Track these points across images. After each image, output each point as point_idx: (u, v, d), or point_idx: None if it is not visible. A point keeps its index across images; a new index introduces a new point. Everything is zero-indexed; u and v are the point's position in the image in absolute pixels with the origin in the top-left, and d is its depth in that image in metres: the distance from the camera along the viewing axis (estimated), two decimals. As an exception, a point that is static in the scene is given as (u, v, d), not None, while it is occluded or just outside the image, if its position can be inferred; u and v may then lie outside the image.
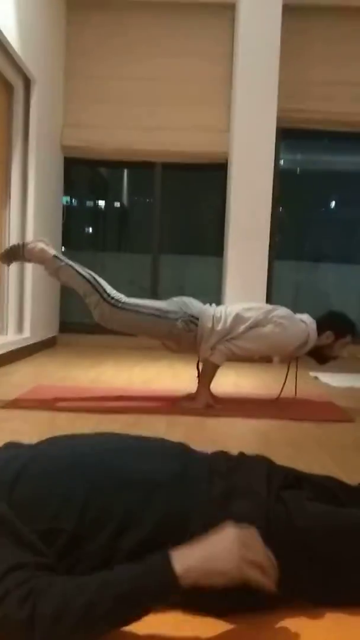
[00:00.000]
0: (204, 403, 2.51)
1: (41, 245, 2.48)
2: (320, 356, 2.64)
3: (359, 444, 2.03)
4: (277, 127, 4.37)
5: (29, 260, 2.53)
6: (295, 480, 1.06)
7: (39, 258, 2.48)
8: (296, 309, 2.66)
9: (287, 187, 5.05)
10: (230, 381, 3.31)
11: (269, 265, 4.49)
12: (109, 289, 2.47)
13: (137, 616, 0.75)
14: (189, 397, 2.61)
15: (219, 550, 0.77)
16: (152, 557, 0.76)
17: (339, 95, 4.79)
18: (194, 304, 2.58)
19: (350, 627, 0.86)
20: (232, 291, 4.35)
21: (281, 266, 4.99)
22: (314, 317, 2.62)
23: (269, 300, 4.49)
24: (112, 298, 2.45)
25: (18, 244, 2.52)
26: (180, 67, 4.86)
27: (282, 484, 1.01)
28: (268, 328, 2.50)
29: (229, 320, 2.52)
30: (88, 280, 2.44)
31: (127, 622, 0.75)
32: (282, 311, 2.56)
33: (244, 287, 4.32)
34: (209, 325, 2.51)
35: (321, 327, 2.56)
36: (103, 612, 0.72)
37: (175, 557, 0.75)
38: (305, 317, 2.60)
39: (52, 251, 2.49)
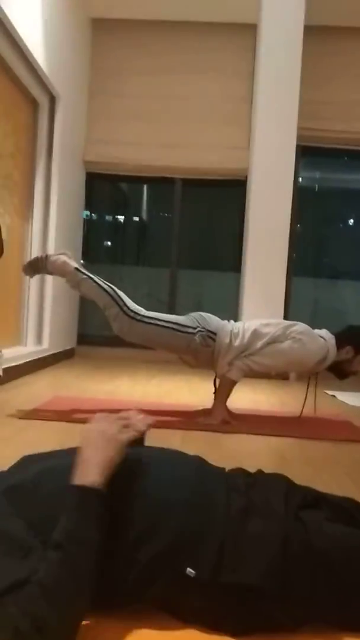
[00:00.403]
0: (220, 419, 2.50)
1: (63, 258, 2.52)
2: (339, 371, 2.62)
3: (377, 465, 2.00)
4: (296, 144, 4.40)
5: (51, 273, 2.57)
6: (314, 500, 1.05)
7: (61, 270, 2.52)
8: (314, 326, 2.65)
9: (305, 204, 5.06)
10: (246, 398, 3.30)
11: (287, 281, 4.49)
12: (128, 302, 2.49)
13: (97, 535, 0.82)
14: (205, 413, 2.61)
15: (97, 447, 0.90)
16: (66, 500, 0.84)
17: (359, 114, 4.82)
18: (212, 320, 2.59)
19: (368, 652, 0.85)
20: (250, 307, 4.36)
21: (299, 283, 4.98)
22: (332, 332, 2.60)
23: (286, 317, 4.47)
24: (132, 311, 2.47)
25: (41, 256, 2.56)
26: (201, 85, 4.94)
27: (301, 503, 1.01)
28: (286, 344, 2.50)
29: (247, 336, 2.52)
30: (108, 293, 2.47)
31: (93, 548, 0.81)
32: (300, 327, 2.55)
33: (261, 304, 4.32)
34: (227, 340, 2.51)
35: (340, 342, 2.55)
36: (75, 563, 0.78)
37: (80, 480, 0.85)
38: (324, 332, 2.59)
39: (74, 264, 2.53)
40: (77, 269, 2.51)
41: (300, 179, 5.02)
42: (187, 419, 2.54)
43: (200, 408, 2.72)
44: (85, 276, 2.49)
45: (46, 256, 2.54)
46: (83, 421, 2.49)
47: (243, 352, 2.51)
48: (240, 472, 1.10)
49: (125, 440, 0.93)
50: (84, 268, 2.56)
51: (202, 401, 2.88)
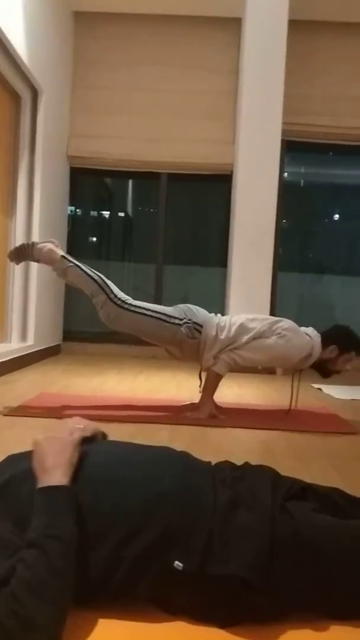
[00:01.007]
0: (207, 413, 2.50)
1: (50, 245, 2.51)
2: (323, 370, 2.64)
3: (362, 456, 2.02)
4: (281, 139, 4.41)
5: (38, 260, 2.54)
6: (300, 491, 1.05)
7: (48, 258, 2.50)
8: (300, 321, 2.66)
9: (291, 199, 5.08)
10: (233, 392, 3.31)
11: (273, 276, 4.51)
12: (116, 290, 2.49)
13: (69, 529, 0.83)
14: (192, 407, 2.61)
15: (54, 452, 0.92)
16: (35, 504, 0.85)
17: (343, 109, 4.85)
18: (199, 312, 2.59)
19: (355, 640, 0.86)
20: (236, 302, 4.36)
21: (285, 278, 5.01)
22: (318, 330, 2.62)
23: (272, 311, 4.49)
24: (119, 299, 2.46)
25: (27, 243, 2.55)
26: (186, 79, 4.92)
27: (287, 494, 1.01)
28: (272, 339, 2.50)
29: (233, 329, 2.52)
30: (95, 281, 2.46)
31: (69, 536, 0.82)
32: (286, 323, 2.56)
33: (248, 298, 4.33)
34: (213, 333, 2.52)
35: (326, 341, 2.56)
36: (55, 556, 0.78)
37: (46, 484, 0.87)
38: (310, 330, 2.60)
39: (61, 252, 2.52)
40: (63, 256, 2.50)
41: (285, 174, 5.04)
42: (175, 414, 2.54)
43: (188, 402, 2.73)
44: (71, 264, 2.48)
45: (32, 243, 2.53)
46: (70, 417, 2.47)
47: (228, 346, 2.51)
48: (227, 465, 1.11)
49: (77, 439, 0.96)
50: (70, 256, 2.54)
51: (189, 396, 2.88)
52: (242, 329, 2.52)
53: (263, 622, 0.87)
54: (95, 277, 2.47)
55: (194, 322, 2.52)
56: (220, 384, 2.60)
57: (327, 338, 2.57)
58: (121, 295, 2.49)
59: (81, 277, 2.48)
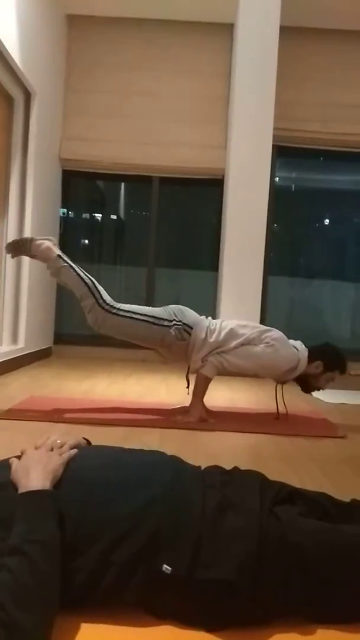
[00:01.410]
0: (197, 417, 2.51)
1: (48, 243, 2.52)
2: (306, 384, 2.66)
3: (351, 460, 2.04)
4: (273, 144, 4.43)
5: (34, 256, 2.56)
6: (288, 495, 1.07)
7: (44, 255, 2.51)
8: (290, 325, 2.68)
9: (282, 204, 5.11)
10: (224, 396, 3.32)
11: (264, 280, 4.53)
12: (105, 295, 2.50)
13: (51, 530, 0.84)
14: (183, 411, 2.61)
15: (39, 463, 0.94)
16: (17, 510, 0.85)
17: (334, 115, 4.89)
18: (190, 314, 2.61)
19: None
20: (227, 306, 4.38)
21: (275, 282, 5.03)
22: (308, 342, 2.64)
23: (263, 315, 4.51)
24: (107, 304, 2.47)
25: (26, 238, 2.57)
26: (179, 84, 4.94)
27: (275, 499, 1.02)
28: (259, 348, 2.52)
29: (223, 333, 2.54)
30: (86, 284, 2.47)
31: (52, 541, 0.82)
32: (275, 333, 2.58)
33: (239, 302, 4.34)
34: (202, 336, 2.53)
35: (313, 356, 2.58)
36: (38, 561, 0.78)
37: (24, 488, 0.88)
38: (297, 343, 2.62)
39: (57, 251, 2.53)
40: (59, 256, 2.51)
41: (276, 179, 5.07)
42: (165, 417, 2.55)
43: (178, 406, 2.73)
44: (66, 264, 2.49)
45: (31, 239, 2.54)
46: (59, 421, 2.47)
47: (216, 349, 2.52)
48: (216, 470, 1.11)
49: (65, 458, 0.98)
50: (66, 256, 2.55)
51: (180, 399, 2.89)
52: (232, 333, 2.54)
53: (250, 625, 0.87)
54: (87, 281, 2.48)
55: (184, 324, 2.53)
56: (212, 387, 2.61)
57: (315, 353, 2.59)
58: (109, 300, 2.50)
59: (73, 278, 2.49)
